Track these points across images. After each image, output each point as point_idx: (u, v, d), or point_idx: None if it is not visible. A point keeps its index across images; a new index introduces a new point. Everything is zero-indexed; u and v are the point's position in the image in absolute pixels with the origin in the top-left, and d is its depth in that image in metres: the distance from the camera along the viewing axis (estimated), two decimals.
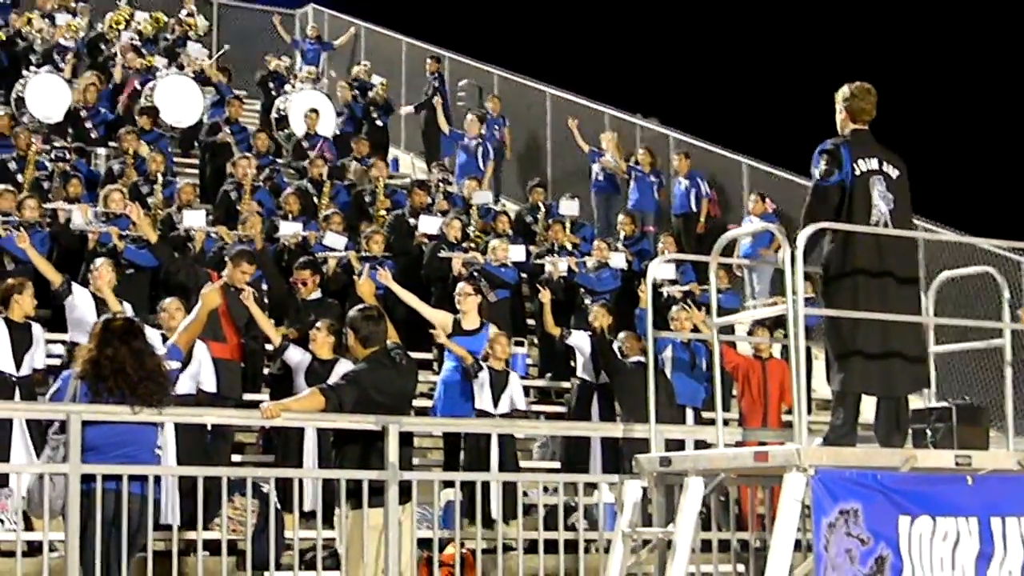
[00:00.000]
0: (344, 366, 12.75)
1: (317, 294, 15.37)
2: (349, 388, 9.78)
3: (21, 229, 14.94)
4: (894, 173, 9.40)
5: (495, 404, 14.27)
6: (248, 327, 14.19)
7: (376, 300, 11.55)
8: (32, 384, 12.77)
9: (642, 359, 14.82)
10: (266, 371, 14.93)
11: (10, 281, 13.14)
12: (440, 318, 15.23)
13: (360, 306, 10.54)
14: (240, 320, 13.92)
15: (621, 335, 15.23)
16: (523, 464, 15.45)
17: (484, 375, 14.30)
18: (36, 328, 13.07)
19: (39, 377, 12.87)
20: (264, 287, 15.25)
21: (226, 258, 14.68)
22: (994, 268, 10.79)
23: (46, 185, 18.24)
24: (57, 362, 13.68)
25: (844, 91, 9.59)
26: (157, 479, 9.20)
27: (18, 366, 12.77)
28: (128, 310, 13.43)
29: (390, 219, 19.19)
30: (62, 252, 16.03)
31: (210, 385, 12.70)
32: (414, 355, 13.80)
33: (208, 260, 15.96)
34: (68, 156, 18.69)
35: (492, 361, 14.41)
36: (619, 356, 15.05)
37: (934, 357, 10.44)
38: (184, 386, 12.09)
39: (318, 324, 13.59)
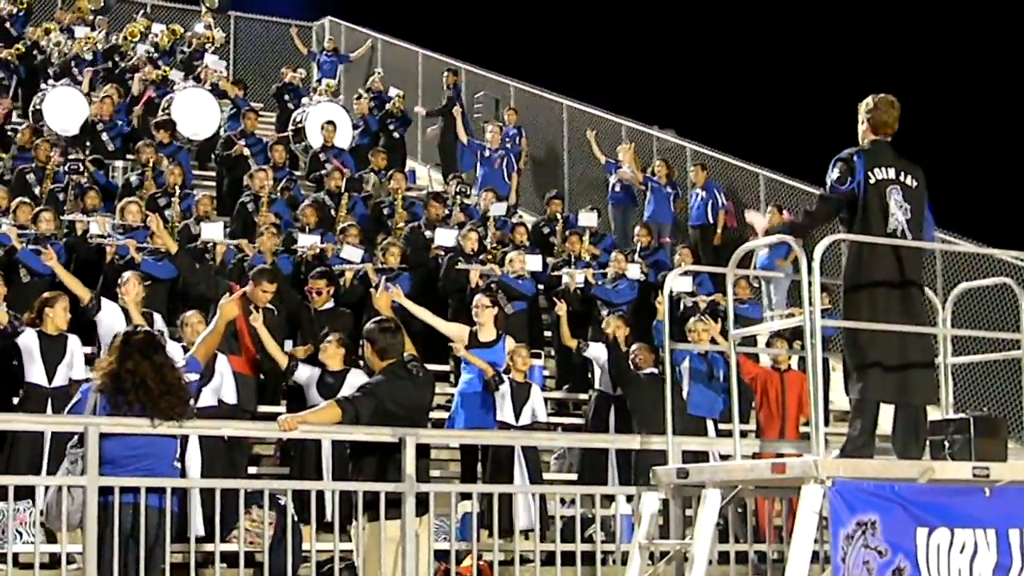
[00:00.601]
0: (356, 377, 12.77)
1: (330, 304, 15.39)
2: (366, 400, 9.78)
3: (48, 247, 14.95)
4: (912, 183, 9.40)
5: (517, 416, 14.25)
6: None
7: (393, 313, 11.55)
8: (67, 396, 12.78)
9: (655, 371, 14.83)
10: (284, 384, 14.92)
11: (45, 295, 13.22)
12: (456, 331, 15.22)
13: (377, 318, 10.55)
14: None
15: (634, 347, 15.22)
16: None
17: (505, 387, 14.28)
18: (72, 340, 13.09)
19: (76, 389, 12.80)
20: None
21: (249, 276, 14.69)
22: (1012, 279, 10.79)
23: (61, 197, 18.27)
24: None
25: (868, 102, 9.58)
26: (176, 491, 9.20)
27: (50, 378, 12.84)
28: (159, 322, 13.49)
29: (406, 232, 19.22)
30: (79, 264, 16.06)
31: (231, 398, 12.74)
32: (431, 367, 13.85)
33: (229, 272, 16.00)
34: (81, 168, 18.73)
35: (513, 373, 14.40)
36: (632, 368, 15.04)
37: (952, 368, 10.44)
38: (206, 399, 12.17)
39: (329, 336, 13.61)
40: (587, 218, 20.03)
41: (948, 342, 10.36)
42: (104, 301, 13.87)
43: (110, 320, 13.57)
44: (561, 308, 16.44)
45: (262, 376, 14.27)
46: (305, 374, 13.55)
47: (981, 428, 9.19)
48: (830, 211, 9.48)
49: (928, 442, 9.33)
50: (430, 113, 25.87)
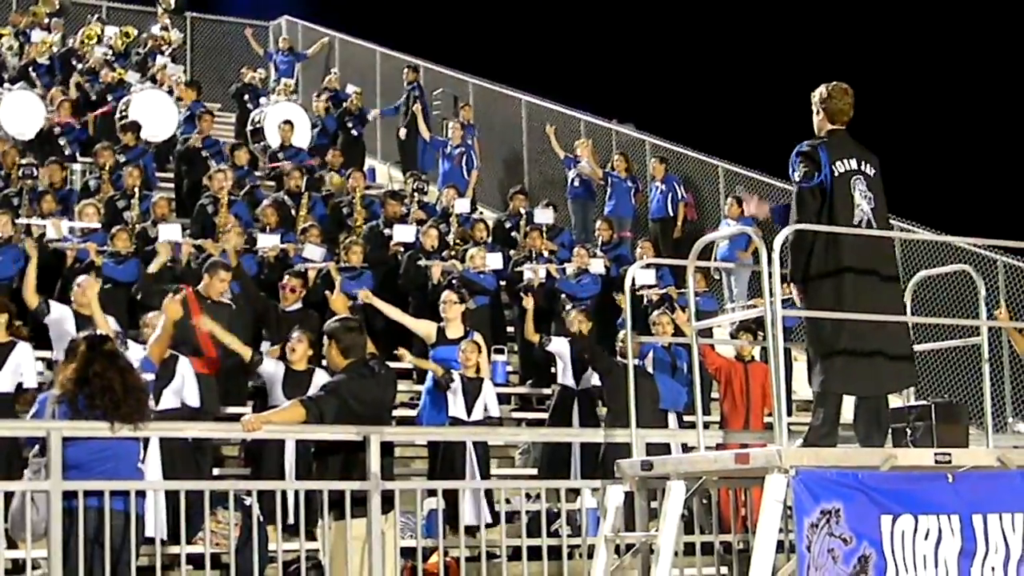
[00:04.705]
0: (320, 376, 12.76)
1: (298, 305, 15.39)
2: (329, 399, 9.78)
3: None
4: (872, 172, 9.43)
5: (468, 412, 14.22)
6: None
7: (351, 312, 11.58)
8: (9, 402, 12.68)
9: (638, 361, 14.80)
10: (250, 384, 14.89)
11: None
12: (424, 328, 15.25)
13: (339, 316, 10.55)
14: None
15: (622, 333, 15.19)
16: (505, 471, 15.44)
17: (456, 383, 14.24)
18: (19, 348, 12.94)
19: (31, 396, 12.59)
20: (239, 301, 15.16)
21: (203, 270, 14.69)
22: (971, 266, 10.84)
23: (16, 202, 18.15)
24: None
25: (821, 92, 9.59)
26: (140, 494, 9.17)
27: None
28: (112, 323, 13.42)
29: (365, 230, 19.19)
30: (38, 268, 15.95)
31: (193, 400, 12.69)
32: (394, 365, 13.86)
33: (194, 273, 15.95)
34: (36, 173, 18.65)
35: (463, 369, 14.36)
36: (614, 355, 14.98)
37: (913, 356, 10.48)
38: (168, 401, 12.14)
39: (294, 334, 13.59)
40: (543, 214, 20.04)
41: (909, 329, 10.40)
42: (53, 304, 13.81)
43: (60, 323, 13.50)
44: (529, 302, 16.45)
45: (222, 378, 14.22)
46: (270, 367, 13.53)
47: (942, 415, 9.23)
48: (811, 204, 9.38)
49: (890, 430, 9.37)
50: (384, 114, 25.93)
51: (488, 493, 13.14)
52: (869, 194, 9.33)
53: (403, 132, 25.16)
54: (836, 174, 9.28)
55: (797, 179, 9.33)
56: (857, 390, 9.29)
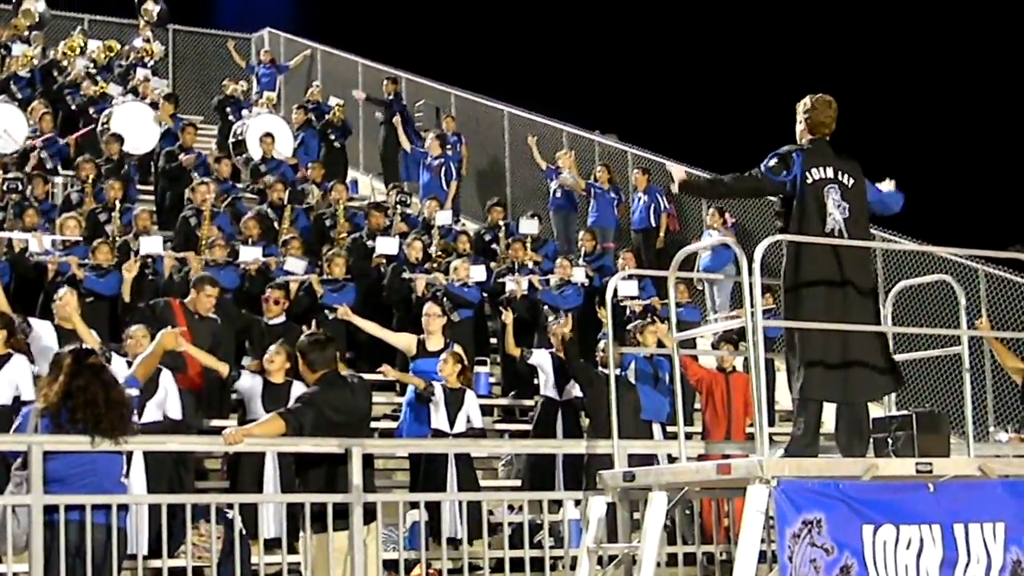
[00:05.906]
0: (298, 389, 12.76)
1: (281, 318, 15.37)
2: (306, 410, 9.80)
3: None
4: (849, 182, 9.47)
5: (451, 423, 14.19)
6: (212, 354, 14.10)
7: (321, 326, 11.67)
8: (8, 415, 12.61)
9: (618, 372, 14.80)
10: (233, 396, 14.86)
11: None
12: (404, 342, 15.22)
13: (308, 332, 10.60)
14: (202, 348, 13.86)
15: (602, 344, 15.17)
16: (488, 483, 15.42)
17: (439, 395, 14.19)
18: (14, 359, 12.84)
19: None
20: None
21: (191, 285, 14.68)
22: (951, 276, 10.88)
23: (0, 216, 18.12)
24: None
25: (805, 102, 9.67)
26: (122, 508, 9.15)
27: None
28: (94, 336, 13.39)
29: (348, 242, 19.18)
30: (19, 283, 15.94)
31: (175, 413, 12.67)
32: (377, 378, 13.83)
33: (176, 286, 15.91)
34: (20, 187, 18.61)
35: (446, 380, 14.32)
36: (594, 365, 14.97)
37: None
38: (151, 414, 12.12)
39: (272, 347, 13.56)
40: (528, 225, 20.05)
41: (889, 339, 10.43)
42: (35, 321, 13.73)
43: (43, 339, 13.44)
44: (507, 316, 16.44)
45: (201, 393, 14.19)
46: (247, 382, 13.50)
47: (924, 424, 9.25)
48: (755, 188, 9.59)
49: (872, 439, 9.39)
50: (370, 99, 25.95)
51: (472, 508, 13.08)
52: (844, 204, 9.37)
53: (384, 144, 25.17)
54: (809, 181, 9.34)
55: (763, 166, 9.41)
56: (835, 397, 9.31)
